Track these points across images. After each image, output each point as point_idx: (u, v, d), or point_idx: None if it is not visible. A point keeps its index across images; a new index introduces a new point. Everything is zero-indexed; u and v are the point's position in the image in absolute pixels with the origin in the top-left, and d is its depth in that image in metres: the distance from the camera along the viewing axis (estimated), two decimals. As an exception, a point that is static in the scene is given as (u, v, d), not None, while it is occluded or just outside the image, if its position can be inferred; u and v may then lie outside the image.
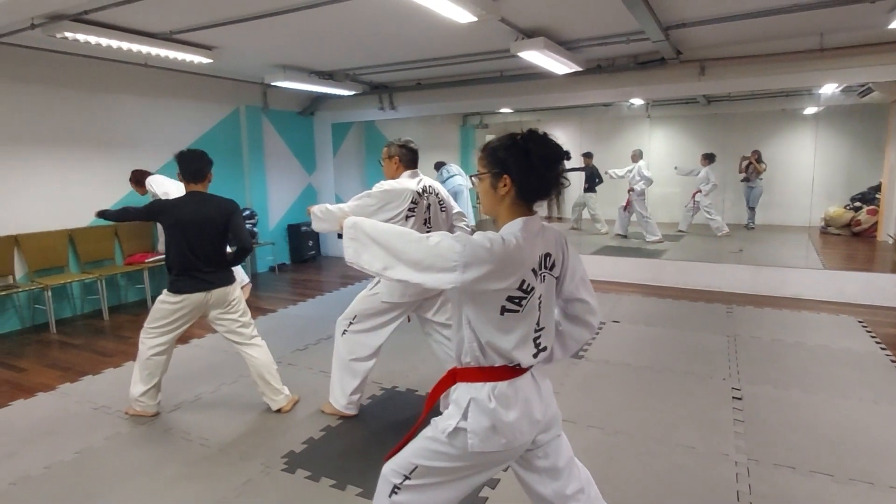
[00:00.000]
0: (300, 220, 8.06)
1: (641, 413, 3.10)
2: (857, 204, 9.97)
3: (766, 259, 7.12)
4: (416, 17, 4.10)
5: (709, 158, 9.57)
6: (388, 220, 2.77)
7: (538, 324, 1.51)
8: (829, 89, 7.75)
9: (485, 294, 1.41)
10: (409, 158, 3.06)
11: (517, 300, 1.43)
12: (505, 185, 1.46)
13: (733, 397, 3.28)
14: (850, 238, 9.38)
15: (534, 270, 1.45)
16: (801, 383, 3.47)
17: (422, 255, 1.40)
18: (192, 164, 3.03)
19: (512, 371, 1.49)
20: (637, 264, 6.54)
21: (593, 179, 9.36)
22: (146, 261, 5.64)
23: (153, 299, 5.75)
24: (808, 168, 10.69)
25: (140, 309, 5.56)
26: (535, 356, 1.51)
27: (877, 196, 9.52)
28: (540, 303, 1.50)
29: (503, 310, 1.43)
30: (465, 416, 1.46)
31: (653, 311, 5.11)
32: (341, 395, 3.10)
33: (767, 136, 10.75)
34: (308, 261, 8.06)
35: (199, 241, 2.96)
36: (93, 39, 4.20)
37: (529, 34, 4.67)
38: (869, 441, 2.77)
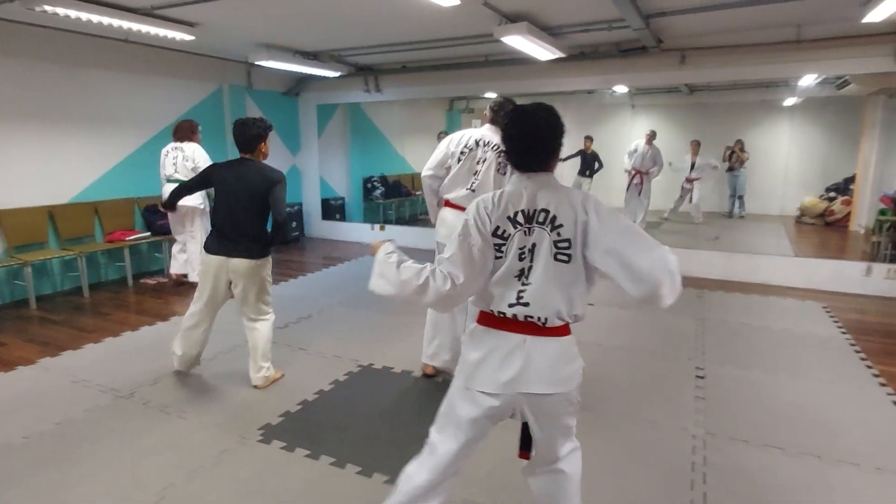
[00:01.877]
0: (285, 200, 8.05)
1: (608, 391, 3.22)
2: (832, 194, 10.20)
3: (740, 247, 7.30)
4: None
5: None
6: (448, 161, 3.24)
7: (525, 277, 1.60)
8: (808, 81, 7.90)
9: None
10: (491, 114, 3.22)
11: (498, 246, 1.62)
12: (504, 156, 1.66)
13: (697, 376, 3.43)
14: (824, 228, 9.61)
15: (510, 219, 1.60)
16: (762, 364, 3.63)
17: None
18: (242, 135, 3.05)
19: (494, 319, 1.64)
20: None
21: (591, 164, 9.32)
22: (127, 239, 5.63)
23: (134, 278, 5.78)
24: (786, 159, 10.92)
25: (120, 287, 5.56)
26: (510, 306, 1.60)
27: (851, 187, 9.76)
28: (523, 255, 1.60)
29: (495, 256, 1.63)
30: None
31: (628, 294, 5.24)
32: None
33: (748, 126, 10.90)
34: (291, 242, 8.07)
35: (233, 205, 3.03)
36: (72, 13, 4.15)
37: (513, 19, 4.70)
38: (822, 418, 2.92)
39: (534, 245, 1.60)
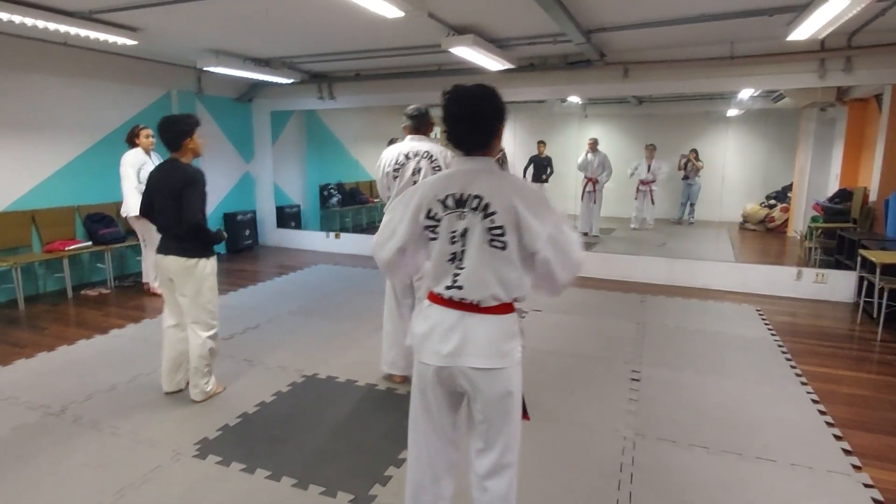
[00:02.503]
0: (237, 208, 7.93)
1: (545, 395, 3.31)
2: (772, 202, 10.74)
3: (686, 253, 7.59)
4: (347, 9, 4.13)
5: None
6: (389, 184, 3.32)
7: (459, 261, 1.67)
8: (746, 94, 8.32)
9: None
10: (411, 123, 3.34)
11: (430, 228, 1.70)
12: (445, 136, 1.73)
13: (632, 379, 3.56)
14: (765, 233, 10.09)
15: (441, 202, 1.66)
16: (694, 366, 3.79)
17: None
18: (166, 132, 3.01)
19: (436, 297, 1.73)
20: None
21: (545, 169, 9.47)
22: (66, 248, 5.43)
23: (74, 289, 5.58)
24: (730, 167, 11.43)
25: (59, 299, 5.36)
26: (447, 288, 1.68)
27: (788, 195, 10.29)
28: (455, 238, 1.66)
29: (426, 238, 1.73)
30: None
31: (573, 300, 5.39)
32: None
33: (693, 136, 11.37)
34: (244, 250, 7.94)
35: (159, 205, 3.03)
36: (3, 15, 4.01)
37: (460, 31, 4.79)
38: (744, 417, 3.08)
39: (465, 230, 1.65)
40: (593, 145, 9.12)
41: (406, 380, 3.47)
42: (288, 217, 8.58)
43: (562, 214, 1.69)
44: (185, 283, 3.04)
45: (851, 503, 2.34)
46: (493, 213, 1.63)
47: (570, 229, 1.70)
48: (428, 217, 1.70)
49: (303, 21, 4.70)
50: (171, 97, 6.80)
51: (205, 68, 5.97)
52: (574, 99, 9.75)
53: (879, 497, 2.36)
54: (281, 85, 7.35)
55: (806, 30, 4.43)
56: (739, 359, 3.96)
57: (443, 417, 1.82)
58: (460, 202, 1.66)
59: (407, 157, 3.25)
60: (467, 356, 1.67)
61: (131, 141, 5.29)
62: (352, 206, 9.80)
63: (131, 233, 6.15)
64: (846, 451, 2.73)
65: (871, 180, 6.46)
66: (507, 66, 5.69)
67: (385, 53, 5.98)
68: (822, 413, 3.14)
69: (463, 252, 1.67)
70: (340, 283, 6.10)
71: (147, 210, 3.15)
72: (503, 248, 1.64)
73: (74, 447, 2.71)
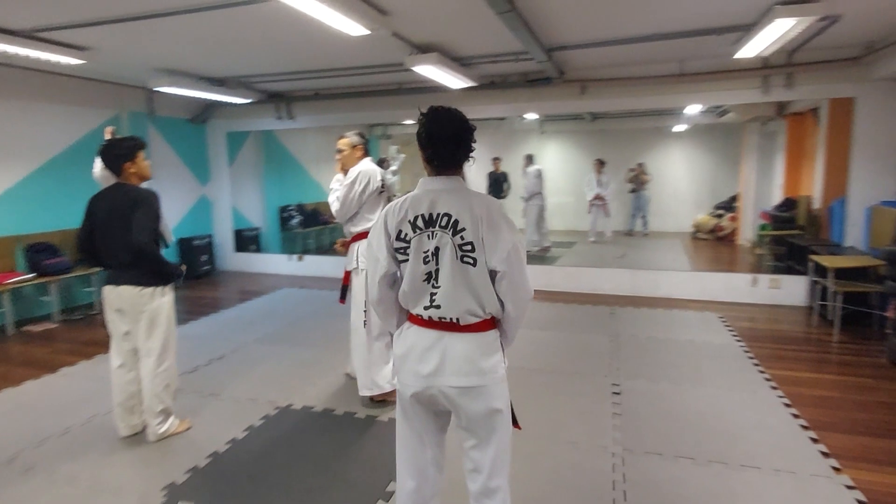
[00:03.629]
0: (193, 232, 7.61)
1: (533, 413, 3.27)
2: (720, 212, 11.21)
3: (645, 263, 7.79)
4: (308, 28, 4.07)
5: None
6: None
7: (435, 280, 1.67)
8: (693, 110, 8.70)
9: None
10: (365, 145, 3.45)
11: (401, 250, 1.70)
12: (421, 155, 1.74)
13: (613, 392, 3.57)
14: (715, 242, 10.51)
15: (411, 223, 1.67)
16: (669, 376, 3.85)
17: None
18: (106, 157, 2.85)
19: (414, 318, 1.74)
20: (531, 271, 6.87)
21: (501, 185, 9.55)
22: (6, 282, 5.05)
23: (16, 325, 5.17)
24: (679, 180, 11.90)
25: (-1, 336, 4.96)
26: (425, 308, 1.68)
27: (735, 204, 10.78)
28: (427, 258, 1.66)
29: (398, 261, 1.73)
30: None
31: (546, 315, 5.41)
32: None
33: (645, 150, 11.81)
34: (202, 277, 7.61)
35: (105, 233, 2.82)
36: (-66, 34, 3.74)
37: (423, 49, 4.79)
38: (723, 425, 3.13)
39: (437, 248, 1.66)
40: (528, 161, 9.25)
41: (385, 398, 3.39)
42: (247, 240, 8.31)
43: (521, 237, 1.71)
44: (138, 316, 2.84)
45: (836, 505, 2.39)
46: (462, 230, 1.64)
47: (524, 258, 1.71)
48: (398, 239, 1.70)
49: (262, 40, 4.59)
50: (120, 119, 6.50)
51: (156, 88, 5.74)
52: (531, 116, 9.97)
53: (863, 498, 2.43)
54: (237, 105, 7.16)
55: (751, 48, 4.67)
56: (711, 366, 4.04)
57: (430, 437, 1.81)
58: (430, 221, 1.67)
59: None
60: (446, 375, 1.68)
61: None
62: (313, 227, 9.60)
63: (80, 262, 5.81)
64: (824, 454, 2.81)
65: (814, 189, 6.83)
66: (470, 83, 5.73)
67: (346, 72, 5.92)
68: (795, 416, 3.23)
69: (437, 271, 1.67)
70: (308, 307, 5.92)
71: (86, 245, 2.87)
72: (474, 265, 1.65)
73: (27, 500, 2.47)
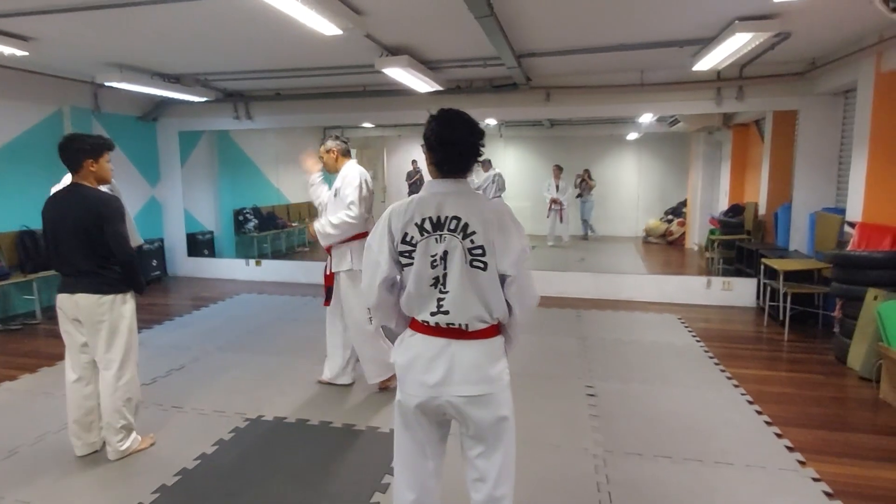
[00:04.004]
0: (142, 236, 7.17)
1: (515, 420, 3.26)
2: (670, 217, 11.69)
3: (604, 267, 8.00)
4: (276, 25, 3.94)
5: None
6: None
7: (442, 285, 1.62)
8: (647, 119, 9.03)
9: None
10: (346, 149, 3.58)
11: (406, 253, 1.64)
12: (426, 158, 1.71)
13: (588, 394, 3.63)
14: (666, 246, 10.93)
15: (417, 226, 1.62)
16: (639, 377, 3.95)
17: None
18: (63, 152, 2.62)
19: (419, 325, 1.68)
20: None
21: None
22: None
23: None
24: (631, 186, 12.32)
25: (-75, 349, 4.52)
26: (432, 314, 1.63)
27: (683, 210, 11.26)
28: (435, 262, 1.61)
29: (401, 266, 1.67)
30: None
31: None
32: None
33: (600, 157, 12.16)
34: (152, 282, 7.22)
35: (57, 240, 2.61)
36: None
37: (394, 51, 4.74)
38: (695, 423, 3.23)
39: (445, 252, 1.62)
40: (486, 166, 9.36)
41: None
42: (200, 244, 7.96)
43: (528, 241, 1.70)
44: (97, 325, 2.65)
45: (807, 497, 2.50)
46: (472, 234, 1.62)
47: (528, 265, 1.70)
48: (404, 242, 1.65)
49: (224, 36, 4.41)
50: (63, 115, 6.09)
51: (106, 83, 5.42)
52: (491, 121, 10.06)
53: (828, 489, 2.55)
54: (191, 103, 6.85)
55: (708, 61, 4.88)
56: (676, 366, 4.18)
57: (432, 448, 1.78)
58: (437, 225, 1.63)
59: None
60: (454, 384, 1.64)
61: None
62: (269, 230, 9.31)
63: (16, 267, 5.40)
64: (789, 448, 2.94)
65: (760, 196, 7.21)
66: (436, 87, 5.72)
67: (310, 73, 5.78)
68: (759, 413, 3.37)
69: (445, 275, 1.64)
70: (269, 314, 5.72)
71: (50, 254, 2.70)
72: (484, 269, 1.63)
73: (-26, 532, 2.25)
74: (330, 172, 3.57)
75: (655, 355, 4.43)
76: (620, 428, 3.16)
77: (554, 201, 10.44)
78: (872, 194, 4.55)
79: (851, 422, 3.32)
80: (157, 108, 7.20)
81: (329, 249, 3.52)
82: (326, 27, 3.58)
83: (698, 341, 4.80)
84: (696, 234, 10.19)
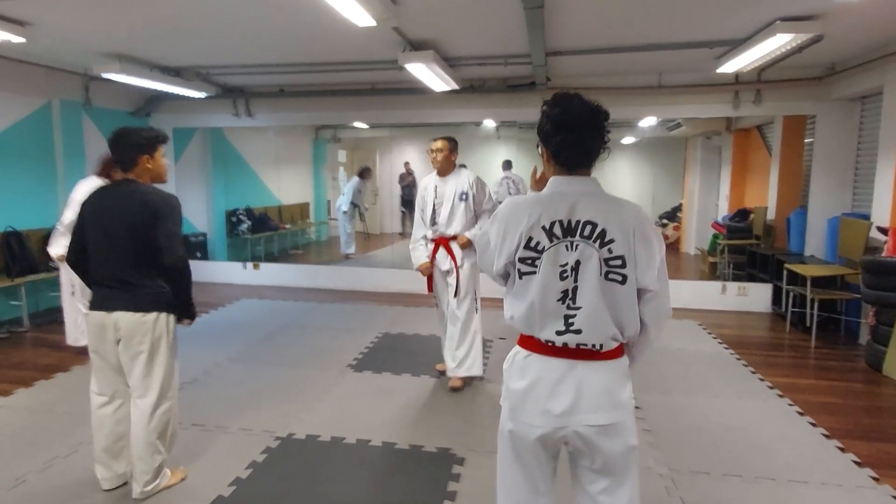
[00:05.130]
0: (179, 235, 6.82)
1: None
2: (665, 221, 11.70)
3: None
4: (304, 14, 3.70)
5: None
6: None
7: (571, 300, 1.43)
8: (649, 122, 8.98)
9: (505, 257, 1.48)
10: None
11: (528, 260, 1.44)
12: (542, 151, 1.53)
13: (635, 407, 3.46)
14: (664, 250, 10.90)
15: (547, 230, 1.42)
16: (679, 387, 3.80)
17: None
18: (116, 146, 2.35)
19: (537, 344, 1.47)
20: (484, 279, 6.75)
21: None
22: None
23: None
24: (626, 189, 12.31)
25: None
26: (559, 333, 1.44)
27: (679, 214, 11.28)
28: (566, 273, 1.42)
29: (520, 273, 1.46)
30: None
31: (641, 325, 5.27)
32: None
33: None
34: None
35: (103, 242, 2.31)
36: None
37: (417, 46, 4.53)
38: (750, 437, 3.08)
39: (578, 262, 1.42)
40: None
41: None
42: (193, 247, 7.60)
43: (663, 257, 1.52)
44: (138, 346, 2.33)
45: (894, 518, 2.38)
46: (610, 242, 1.42)
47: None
48: (528, 247, 1.44)
49: (238, 25, 4.13)
50: (52, 108, 5.70)
51: (103, 75, 5.06)
52: (489, 122, 9.91)
53: (912, 508, 2.43)
54: (188, 99, 6.51)
55: (736, 63, 4.80)
56: (714, 375, 4.05)
57: (546, 485, 1.57)
58: (569, 230, 1.43)
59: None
60: (584, 413, 1.44)
61: (107, 172, 3.66)
62: (262, 232, 8.97)
63: (1, 271, 5.01)
64: (857, 463, 2.82)
65: (769, 200, 7.19)
66: (453, 86, 5.52)
67: (319, 68, 5.52)
68: (813, 425, 3.25)
69: (575, 289, 1.43)
70: (277, 321, 5.43)
71: (78, 257, 2.38)
72: (622, 283, 1.43)
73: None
74: (443, 175, 3.63)
75: (688, 364, 4.30)
76: (677, 443, 3.00)
77: None
78: (902, 200, 4.51)
79: (909, 434, 3.22)
80: (150, 104, 6.82)
81: (446, 244, 3.61)
82: (361, 17, 3.35)
83: (726, 348, 4.69)
84: (694, 238, 10.20)
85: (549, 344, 1.47)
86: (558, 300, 1.44)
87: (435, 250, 3.63)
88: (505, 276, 1.55)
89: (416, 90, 5.93)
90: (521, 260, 1.46)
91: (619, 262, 1.42)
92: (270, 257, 9.09)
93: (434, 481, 2.60)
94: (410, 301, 6.30)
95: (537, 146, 1.58)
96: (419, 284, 6.71)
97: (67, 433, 2.99)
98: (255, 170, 9.43)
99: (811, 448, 2.98)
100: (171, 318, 2.43)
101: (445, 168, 3.59)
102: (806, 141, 6.64)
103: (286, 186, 10.30)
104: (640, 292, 1.47)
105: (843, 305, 5.14)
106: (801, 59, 5.13)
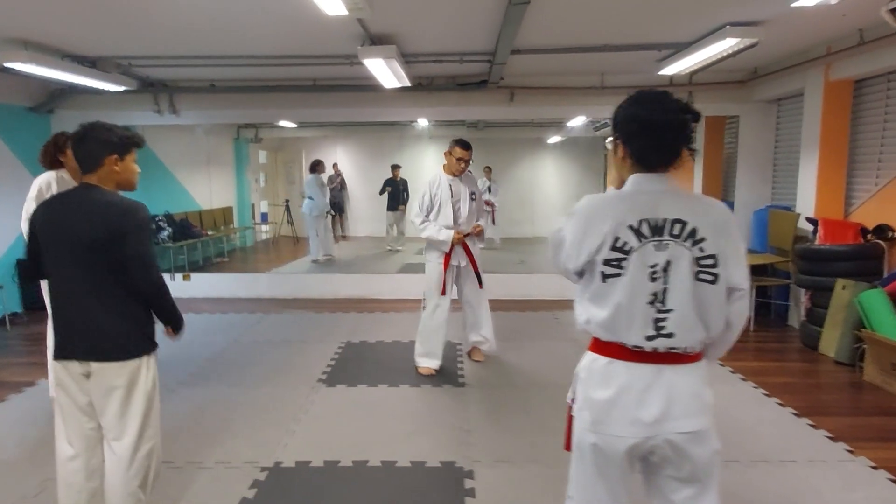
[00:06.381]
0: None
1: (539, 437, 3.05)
2: (590, 218, 12.22)
3: (544, 268, 8.06)
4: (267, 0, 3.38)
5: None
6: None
7: (661, 302, 1.37)
8: (577, 122, 9.31)
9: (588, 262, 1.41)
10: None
11: (614, 262, 1.38)
12: (619, 150, 1.46)
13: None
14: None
15: (635, 230, 1.37)
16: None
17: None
18: (79, 145, 1.95)
19: (622, 350, 1.40)
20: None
21: (401, 193, 9.16)
22: None
23: None
24: (551, 187, 12.75)
25: None
26: (649, 339, 1.38)
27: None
28: (656, 274, 1.36)
29: (603, 276, 1.39)
30: (573, 387, 1.54)
31: (498, 325, 5.21)
32: None
33: (521, 159, 12.45)
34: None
35: (61, 267, 1.92)
36: None
37: (376, 40, 4.32)
38: (733, 422, 3.20)
39: (668, 263, 1.37)
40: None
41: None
42: (108, 259, 6.78)
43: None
44: (114, 380, 1.96)
45: (881, 487, 2.57)
46: (701, 240, 1.38)
47: None
48: (614, 248, 1.37)
49: (185, 13, 3.70)
50: (-69, 102, 4.83)
51: (6, 64, 4.34)
52: (422, 121, 9.81)
53: (891, 476, 2.64)
54: (99, 93, 5.79)
55: (679, 66, 5.06)
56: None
57: (627, 499, 1.49)
58: (657, 229, 1.37)
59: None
60: (675, 420, 1.39)
61: (52, 160, 3.40)
62: (185, 240, 8.23)
63: None
64: (830, 438, 3.03)
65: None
66: (405, 83, 5.34)
67: (257, 62, 5.11)
68: (781, 405, 3.47)
69: (665, 290, 1.38)
70: (223, 336, 4.97)
71: (35, 272, 2.00)
72: (713, 282, 1.40)
73: None
74: (457, 175, 3.92)
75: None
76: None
77: (486, 203, 10.40)
78: (823, 192, 4.97)
79: (862, 406, 3.53)
80: (53, 99, 5.99)
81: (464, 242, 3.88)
82: (332, 4, 3.10)
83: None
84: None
85: (637, 349, 1.40)
86: (648, 303, 1.38)
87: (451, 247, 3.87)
88: (580, 275, 1.47)
89: (363, 87, 5.70)
90: (606, 262, 1.38)
91: (710, 262, 1.38)
92: (195, 266, 8.36)
93: (450, 501, 2.46)
94: (363, 307, 6.04)
95: (609, 143, 1.51)
96: (369, 289, 6.49)
97: (37, 468, 2.50)
98: (172, 172, 8.64)
99: (788, 428, 3.18)
100: (150, 363, 2.06)
101: (462, 170, 3.96)
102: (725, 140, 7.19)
103: (207, 190, 9.56)
104: (729, 291, 1.43)
105: (773, 291, 5.61)
106: (730, 63, 5.49)
